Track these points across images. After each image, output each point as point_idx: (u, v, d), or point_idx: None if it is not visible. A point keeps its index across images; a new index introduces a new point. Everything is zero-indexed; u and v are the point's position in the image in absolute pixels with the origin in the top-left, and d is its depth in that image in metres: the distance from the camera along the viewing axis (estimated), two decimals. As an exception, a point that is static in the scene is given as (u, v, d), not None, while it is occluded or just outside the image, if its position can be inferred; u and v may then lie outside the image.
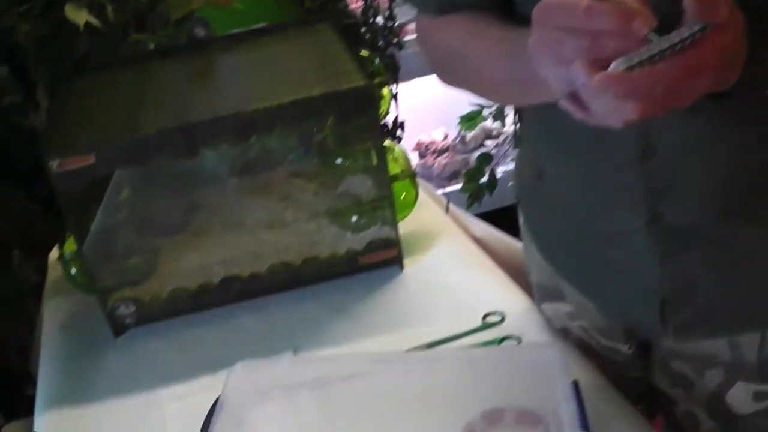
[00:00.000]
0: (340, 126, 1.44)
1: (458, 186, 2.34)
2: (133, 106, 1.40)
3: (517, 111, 2.31)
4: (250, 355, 1.09)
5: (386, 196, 1.42)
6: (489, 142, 3.27)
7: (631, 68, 0.62)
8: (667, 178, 0.90)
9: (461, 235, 1.55)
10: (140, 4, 1.90)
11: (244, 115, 1.27)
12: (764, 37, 0.70)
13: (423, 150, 3.30)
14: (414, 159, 3.22)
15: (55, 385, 1.32)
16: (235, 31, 1.64)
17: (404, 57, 2.61)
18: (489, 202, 2.20)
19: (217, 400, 1.01)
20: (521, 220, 1.23)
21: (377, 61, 1.65)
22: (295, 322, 1.36)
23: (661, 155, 0.88)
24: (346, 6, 2.44)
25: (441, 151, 3.27)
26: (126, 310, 1.39)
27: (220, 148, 1.46)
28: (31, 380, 1.52)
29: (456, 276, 1.41)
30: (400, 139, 2.57)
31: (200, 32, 1.61)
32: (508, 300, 1.31)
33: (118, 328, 1.39)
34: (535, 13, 0.68)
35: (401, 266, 1.45)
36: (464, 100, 2.23)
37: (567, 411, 0.90)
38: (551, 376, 0.96)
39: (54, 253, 1.68)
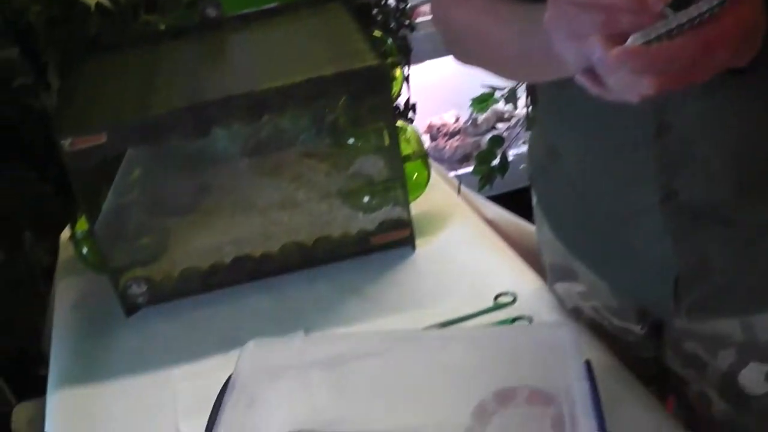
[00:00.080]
0: (353, 106, 1.43)
1: (470, 168, 2.33)
2: (144, 86, 1.39)
3: (529, 93, 2.30)
4: (261, 334, 1.09)
5: (398, 176, 1.42)
6: (501, 125, 3.26)
7: (648, 43, 0.61)
8: (681, 156, 0.89)
9: (473, 216, 1.54)
10: (151, -16, 1.91)
11: (256, 95, 1.26)
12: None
13: (434, 132, 3.29)
14: (425, 141, 3.21)
15: (67, 365, 1.33)
16: (246, 11, 1.64)
17: (416, 39, 2.61)
18: (500, 185, 2.20)
19: (229, 378, 1.01)
20: (534, 200, 1.22)
21: (389, 41, 1.65)
22: (307, 302, 1.36)
23: (676, 132, 0.88)
24: (358, -14, 2.43)
25: (452, 134, 3.26)
26: (138, 290, 1.39)
27: (232, 127, 1.46)
28: (43, 361, 1.52)
29: (468, 256, 1.40)
30: (411, 121, 2.56)
31: (212, 12, 1.60)
32: (520, 281, 1.31)
33: (130, 308, 1.40)
34: (551, -12, 0.68)
35: (413, 247, 1.44)
36: (476, 83, 2.22)
37: (579, 390, 0.89)
38: (564, 355, 0.95)
39: (65, 233, 1.69)
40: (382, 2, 2.51)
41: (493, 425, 0.97)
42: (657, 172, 0.91)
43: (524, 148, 2.78)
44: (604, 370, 1.04)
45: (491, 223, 1.55)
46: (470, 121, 3.28)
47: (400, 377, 1.03)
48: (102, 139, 1.23)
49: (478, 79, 2.17)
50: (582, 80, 0.69)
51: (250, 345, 1.05)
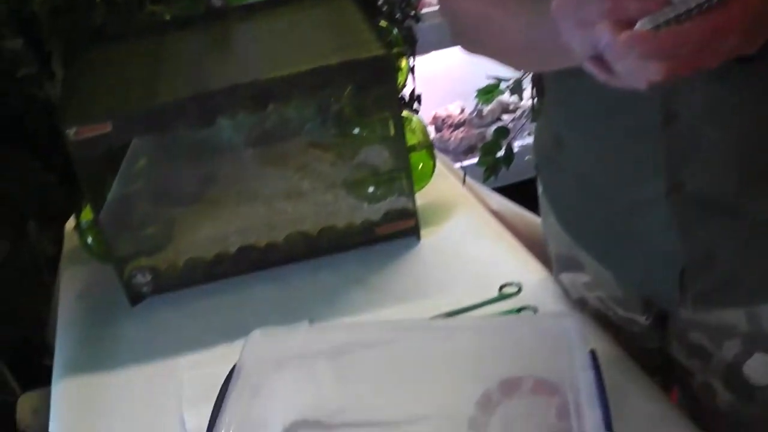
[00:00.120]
0: (358, 96, 1.43)
1: (474, 160, 2.33)
2: (149, 75, 1.39)
3: (534, 85, 2.29)
4: (266, 324, 1.09)
5: (403, 166, 1.42)
6: (506, 116, 3.25)
7: (657, 28, 0.61)
8: (688, 146, 0.89)
9: (478, 206, 1.54)
10: (157, -26, 1.90)
11: (262, 84, 1.26)
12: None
13: (439, 124, 3.28)
14: (430, 133, 3.20)
15: (71, 354, 1.33)
16: (252, 0, 1.64)
17: (421, 30, 2.59)
18: (505, 176, 2.19)
19: (233, 367, 1.01)
20: (540, 189, 1.22)
21: (395, 31, 1.64)
22: (312, 292, 1.36)
23: (683, 122, 0.87)
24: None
25: (457, 125, 3.26)
26: (143, 279, 1.39)
27: (237, 117, 1.46)
28: (47, 350, 1.52)
29: (473, 247, 1.40)
30: (416, 112, 2.56)
31: (217, 2, 1.60)
32: (525, 271, 1.31)
33: (135, 297, 1.40)
34: (558, -24, 0.68)
35: (418, 237, 1.44)
36: (481, 74, 2.22)
37: (584, 380, 0.89)
38: (569, 345, 0.95)
39: (70, 223, 1.69)
40: (387, -8, 2.50)
41: (497, 415, 0.97)
42: (664, 162, 0.91)
43: (529, 140, 2.79)
44: (608, 361, 1.04)
45: (496, 214, 1.54)
46: (475, 113, 3.27)
47: (404, 367, 1.03)
48: (107, 128, 1.23)
49: (483, 70, 2.17)
50: (590, 68, 0.69)
51: (255, 334, 1.05)
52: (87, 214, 1.43)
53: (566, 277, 1.22)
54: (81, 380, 1.26)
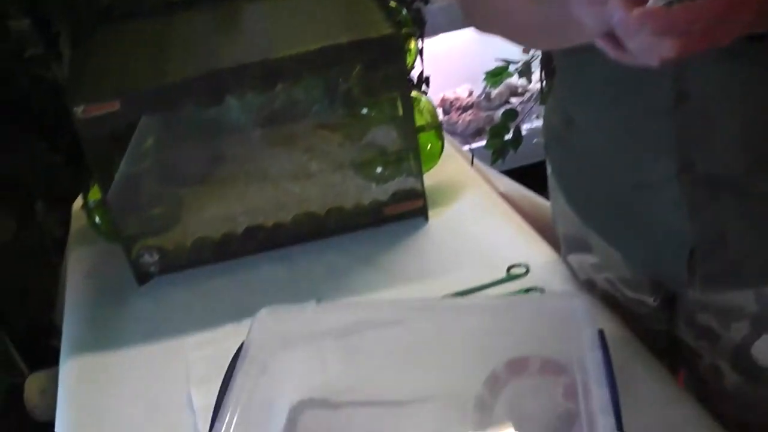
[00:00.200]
0: (367, 75, 1.42)
1: (482, 143, 2.33)
2: (157, 54, 1.39)
3: (543, 68, 2.29)
4: (273, 304, 1.09)
5: (412, 147, 1.41)
6: (514, 99, 3.24)
7: (669, 4, 0.61)
8: (699, 125, 0.88)
9: (486, 187, 1.54)
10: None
11: (270, 62, 1.26)
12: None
13: (447, 106, 3.28)
14: (438, 115, 3.20)
15: (79, 334, 1.33)
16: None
17: (430, 11, 2.58)
18: (513, 159, 2.19)
19: (241, 346, 1.01)
20: (549, 170, 1.21)
21: (404, 12, 1.64)
22: (319, 272, 1.36)
23: (694, 101, 0.87)
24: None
25: (465, 108, 3.25)
26: (150, 259, 1.39)
27: (246, 96, 1.45)
28: (55, 331, 1.53)
29: (481, 228, 1.40)
30: (425, 94, 2.55)
31: (225, -19, 1.59)
32: (533, 252, 1.30)
33: (142, 276, 1.40)
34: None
35: (426, 217, 1.44)
36: (490, 56, 2.21)
37: (592, 359, 0.89)
38: (576, 325, 0.94)
39: (77, 203, 1.69)
40: (397, -27, 2.49)
41: (504, 394, 0.97)
42: (674, 142, 0.90)
43: (538, 123, 2.78)
44: (616, 342, 1.03)
45: (504, 196, 1.54)
46: (483, 95, 3.27)
47: (411, 346, 1.02)
48: (116, 106, 1.23)
49: (492, 53, 2.16)
50: (602, 45, 0.68)
51: (263, 313, 1.05)
52: (95, 194, 1.43)
53: (574, 258, 1.21)
54: (88, 360, 1.27)
